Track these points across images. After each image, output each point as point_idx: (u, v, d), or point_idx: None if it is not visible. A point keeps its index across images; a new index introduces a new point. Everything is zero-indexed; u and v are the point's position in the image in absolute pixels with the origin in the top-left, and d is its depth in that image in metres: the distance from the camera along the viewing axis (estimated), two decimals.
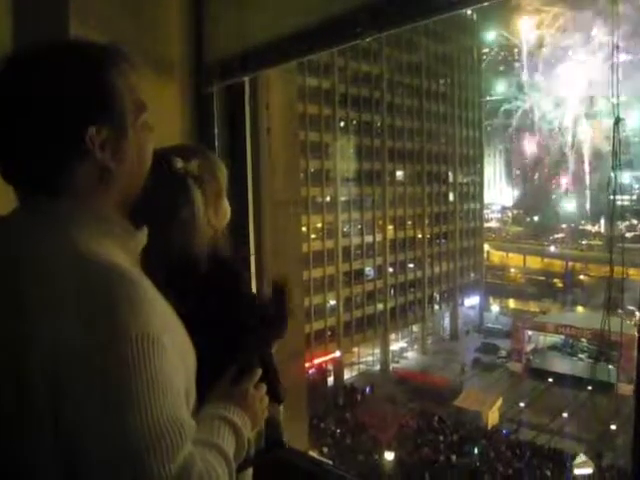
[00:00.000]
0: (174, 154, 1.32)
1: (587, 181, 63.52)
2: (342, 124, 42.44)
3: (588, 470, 24.39)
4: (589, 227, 65.42)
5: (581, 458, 25.02)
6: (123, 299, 0.89)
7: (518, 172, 75.97)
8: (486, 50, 62.46)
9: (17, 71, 0.97)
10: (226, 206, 1.43)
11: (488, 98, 64.45)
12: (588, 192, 63.58)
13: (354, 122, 43.41)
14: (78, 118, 0.97)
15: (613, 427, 29.78)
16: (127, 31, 2.11)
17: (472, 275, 53.74)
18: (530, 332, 41.49)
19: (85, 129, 0.97)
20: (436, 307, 49.62)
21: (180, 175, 1.29)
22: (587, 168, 61.69)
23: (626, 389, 34.60)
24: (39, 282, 0.91)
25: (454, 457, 25.30)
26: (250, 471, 1.53)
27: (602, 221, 60.71)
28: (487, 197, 62.32)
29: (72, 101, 0.96)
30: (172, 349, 0.93)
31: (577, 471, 24.24)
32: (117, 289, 0.89)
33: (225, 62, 2.15)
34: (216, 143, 2.26)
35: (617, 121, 16.09)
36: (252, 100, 2.30)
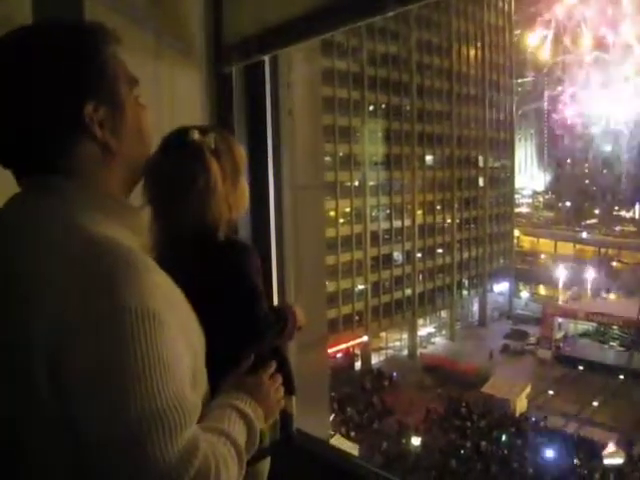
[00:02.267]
0: (192, 128, 1.34)
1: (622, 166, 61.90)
2: (371, 108, 42.10)
3: (619, 460, 24.09)
4: (623, 213, 64.05)
5: (611, 447, 24.72)
6: (122, 273, 0.87)
7: (550, 156, 74.57)
8: (518, 31, 60.92)
9: (12, 51, 0.96)
10: (244, 185, 1.42)
11: (520, 80, 63.17)
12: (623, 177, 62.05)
13: (383, 106, 43.01)
14: (74, 96, 0.97)
15: None
16: (144, 11, 2.07)
17: (502, 261, 53.13)
18: (560, 319, 40.95)
19: (82, 107, 0.97)
20: (465, 293, 49.26)
21: (197, 145, 1.31)
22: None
23: None
24: (40, 262, 0.90)
25: (482, 444, 25.23)
26: (267, 461, 1.51)
27: (637, 207, 59.35)
28: (518, 182, 61.38)
29: (67, 79, 0.96)
30: (175, 326, 0.91)
31: (607, 460, 23.96)
32: (116, 263, 0.88)
33: (244, 41, 2.10)
34: (235, 124, 2.21)
35: None
36: (273, 80, 2.24)
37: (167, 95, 2.12)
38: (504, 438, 26.10)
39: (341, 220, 39.26)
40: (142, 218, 1.12)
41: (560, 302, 47.27)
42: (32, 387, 0.86)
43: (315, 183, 2.64)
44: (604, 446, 25.10)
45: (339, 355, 36.44)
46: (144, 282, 0.89)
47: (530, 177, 74.10)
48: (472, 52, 49.48)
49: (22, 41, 0.98)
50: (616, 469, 23.65)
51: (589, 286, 51.22)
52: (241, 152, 1.41)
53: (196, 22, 2.23)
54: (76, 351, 0.84)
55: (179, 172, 1.28)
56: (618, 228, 59.65)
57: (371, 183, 41.60)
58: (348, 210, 40.01)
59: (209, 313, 1.14)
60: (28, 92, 0.95)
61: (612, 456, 24.19)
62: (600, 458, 24.25)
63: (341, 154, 38.92)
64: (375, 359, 40.35)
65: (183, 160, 1.29)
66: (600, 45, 57.57)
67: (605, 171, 64.05)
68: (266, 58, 2.20)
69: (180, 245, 1.30)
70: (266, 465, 1.49)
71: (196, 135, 1.32)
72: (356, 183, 40.54)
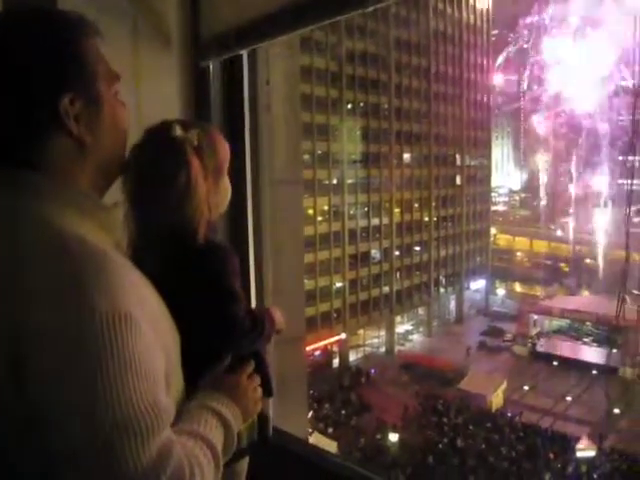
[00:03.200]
0: (175, 123, 1.29)
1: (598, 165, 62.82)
2: (349, 106, 42.14)
3: (591, 453, 24.55)
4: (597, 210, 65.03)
5: (584, 441, 25.18)
6: (92, 274, 0.84)
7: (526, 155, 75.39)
8: (495, 32, 61.43)
9: None
10: (227, 185, 1.38)
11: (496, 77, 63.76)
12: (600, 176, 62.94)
13: (361, 104, 43.09)
14: (50, 88, 0.94)
15: (616, 411, 29.91)
16: (121, 3, 2.03)
17: (478, 258, 53.68)
18: (536, 316, 41.51)
19: (58, 99, 0.93)
20: (442, 290, 49.65)
21: (178, 141, 1.26)
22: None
23: (629, 373, 34.81)
24: (6, 261, 0.86)
25: (458, 440, 25.47)
26: (245, 461, 1.50)
27: (610, 206, 60.21)
28: (495, 180, 61.97)
29: (43, 70, 0.93)
30: (148, 328, 0.89)
31: (580, 454, 24.40)
32: (86, 264, 0.85)
33: (222, 35, 2.07)
34: (212, 118, 2.18)
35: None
36: (251, 75, 2.22)
37: (144, 88, 2.08)
38: (480, 433, 26.37)
39: (319, 218, 39.25)
40: (116, 216, 1.08)
41: (535, 299, 47.92)
42: (7, 407, 0.84)
43: (294, 179, 2.62)
44: (577, 440, 25.55)
45: (317, 353, 36.47)
46: (115, 284, 0.86)
47: (507, 175, 74.87)
48: (450, 51, 49.80)
49: (1, 29, 0.95)
50: (588, 462, 24.10)
51: (564, 283, 52.02)
52: (225, 150, 1.36)
53: (173, 15, 2.20)
54: (42, 353, 0.81)
55: (158, 168, 1.23)
56: (591, 226, 60.60)
57: (349, 181, 41.65)
58: (326, 208, 40.04)
59: (185, 314, 1.12)
60: (1, 82, 0.92)
61: (585, 449, 24.65)
62: (573, 451, 24.68)
63: (319, 152, 38.89)
64: (353, 356, 40.49)
65: (163, 156, 1.24)
66: None
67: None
68: (244, 53, 2.17)
69: (157, 244, 1.25)
70: (244, 465, 1.48)
71: (178, 131, 1.27)
72: (334, 181, 40.58)
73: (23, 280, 0.84)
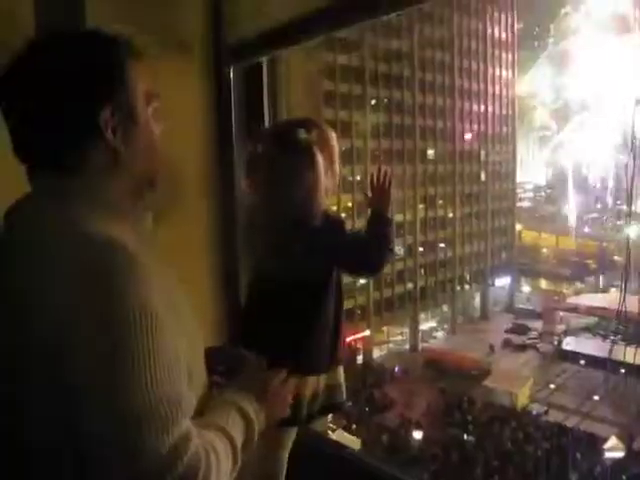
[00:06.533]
0: (296, 126, 1.51)
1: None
2: (373, 102, 41.97)
3: (619, 454, 24.10)
4: (625, 207, 63.79)
5: (612, 441, 24.73)
6: (125, 273, 0.91)
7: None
8: (521, 25, 60.55)
9: (43, 51, 1.04)
10: (337, 171, 1.60)
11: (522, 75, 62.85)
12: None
13: (385, 100, 42.87)
14: (93, 99, 1.02)
15: None
16: (144, 10, 2.09)
17: (503, 255, 53.05)
18: (562, 313, 40.89)
19: (99, 111, 1.01)
20: (466, 287, 49.19)
21: (305, 144, 1.47)
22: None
23: None
24: (42, 261, 0.93)
25: (483, 437, 25.26)
26: (294, 431, 1.68)
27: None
28: (520, 176, 61.17)
29: (89, 83, 1.02)
30: (174, 326, 0.95)
31: (608, 454, 23.98)
32: (119, 263, 0.92)
33: (244, 42, 2.12)
34: (234, 125, 2.23)
35: None
36: (271, 81, 2.26)
37: (165, 94, 2.13)
38: (505, 432, 26.11)
39: (343, 215, 39.17)
40: (146, 222, 1.15)
41: (561, 296, 47.20)
42: (33, 388, 0.91)
43: None
44: (605, 440, 25.12)
45: None
46: (145, 283, 0.92)
47: (532, 171, 73.78)
48: (474, 46, 49.26)
49: (56, 45, 1.04)
50: (617, 463, 23.68)
51: (591, 280, 51.16)
52: (335, 142, 1.57)
53: (196, 24, 2.25)
54: (78, 350, 0.87)
55: (290, 170, 1.44)
56: (620, 222, 59.45)
57: (370, 178, 41.35)
58: (350, 205, 39.96)
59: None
60: (55, 92, 1.00)
61: (613, 450, 24.20)
62: (601, 452, 24.27)
63: (343, 148, 38.78)
64: (377, 353, 40.38)
65: (295, 159, 1.44)
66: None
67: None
68: (265, 59, 2.22)
69: (281, 228, 1.48)
70: (293, 434, 1.68)
71: (303, 134, 1.46)
72: (358, 177, 40.47)
73: (61, 281, 0.90)
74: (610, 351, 34.07)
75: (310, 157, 1.45)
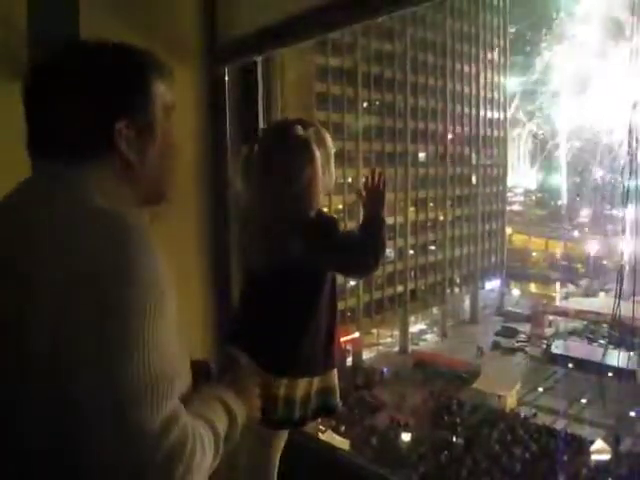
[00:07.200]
0: (293, 124, 1.52)
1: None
2: (365, 105, 42.03)
3: (606, 456, 24.27)
4: (614, 212, 64.23)
5: (599, 444, 24.89)
6: (137, 244, 0.93)
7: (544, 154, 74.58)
8: (513, 30, 60.83)
9: (76, 55, 1.08)
10: (333, 170, 1.62)
11: (515, 78, 63.16)
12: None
13: (377, 102, 42.95)
14: (112, 110, 1.05)
15: (632, 414, 29.54)
16: (138, 11, 2.09)
17: (493, 258, 53.27)
18: (551, 317, 41.12)
19: (116, 121, 1.04)
20: (456, 290, 49.35)
21: (303, 140, 1.48)
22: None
23: None
24: (53, 231, 0.94)
25: (471, 439, 25.35)
26: (285, 433, 1.68)
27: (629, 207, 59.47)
28: (511, 180, 61.45)
29: (110, 95, 1.05)
30: (174, 307, 0.97)
31: (594, 457, 24.14)
32: (131, 234, 0.94)
33: (238, 42, 2.12)
34: (228, 124, 2.23)
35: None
36: (266, 80, 2.27)
37: None
38: (494, 434, 26.22)
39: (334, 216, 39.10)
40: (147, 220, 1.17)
41: (551, 300, 47.46)
42: (33, 359, 0.91)
43: None
44: (592, 442, 25.29)
45: None
46: (157, 257, 0.95)
47: (523, 175, 74.11)
48: (467, 50, 49.48)
49: (88, 51, 1.08)
50: (603, 465, 23.85)
51: (580, 284, 51.47)
52: (330, 141, 1.60)
53: (190, 24, 2.25)
54: (79, 319, 0.88)
55: (289, 165, 1.45)
56: (609, 227, 59.88)
57: (364, 180, 41.42)
58: (341, 207, 39.96)
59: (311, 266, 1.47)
60: (78, 95, 1.04)
61: (599, 452, 24.37)
62: (588, 454, 24.43)
63: (334, 150, 38.71)
64: (366, 355, 40.39)
65: (293, 156, 1.45)
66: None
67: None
68: (259, 59, 2.22)
69: (276, 226, 1.48)
70: (283, 437, 1.68)
71: (300, 131, 1.47)
72: (349, 180, 40.48)
73: (61, 251, 0.91)
74: (604, 355, 34.40)
75: (308, 153, 1.46)
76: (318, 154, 1.48)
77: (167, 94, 1.14)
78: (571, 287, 51.79)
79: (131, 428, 0.87)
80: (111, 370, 0.88)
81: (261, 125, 2.25)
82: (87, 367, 0.88)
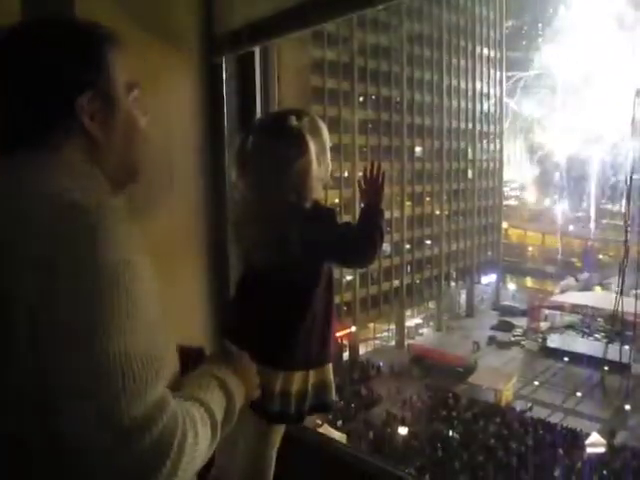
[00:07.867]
0: (287, 114, 1.49)
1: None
2: (361, 99, 41.96)
3: (601, 449, 24.41)
4: (610, 206, 64.36)
5: (594, 437, 25.03)
6: (108, 227, 0.90)
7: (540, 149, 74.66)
8: (509, 23, 60.75)
9: (25, 36, 1.03)
10: (329, 161, 1.58)
11: (510, 73, 63.19)
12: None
13: (373, 97, 42.89)
14: (71, 85, 1.02)
15: (627, 407, 29.73)
16: (134, 2, 2.07)
17: (489, 253, 53.39)
18: (547, 311, 41.25)
19: (77, 96, 1.01)
20: (452, 284, 49.47)
21: (297, 130, 1.45)
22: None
23: None
24: (17, 215, 0.90)
25: (468, 433, 25.45)
26: (282, 428, 1.64)
27: (623, 201, 59.63)
28: (507, 174, 61.54)
29: (67, 70, 1.02)
30: (156, 297, 0.94)
31: (589, 450, 24.28)
32: (102, 217, 0.91)
33: (235, 32, 2.10)
34: (226, 114, 2.22)
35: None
36: (263, 71, 2.25)
37: (157, 85, 2.12)
38: (490, 428, 26.33)
39: None
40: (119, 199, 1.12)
41: (547, 294, 47.59)
42: (13, 340, 0.86)
43: None
44: (587, 436, 25.43)
45: None
46: (131, 240, 0.92)
47: (519, 169, 74.19)
48: (462, 45, 49.42)
49: (38, 31, 1.05)
50: (598, 458, 23.99)
51: (576, 278, 51.61)
52: (326, 132, 1.56)
53: (187, 13, 2.23)
54: (57, 301, 0.84)
55: (282, 155, 1.42)
56: (605, 221, 59.99)
57: (360, 174, 41.38)
58: (337, 201, 39.94)
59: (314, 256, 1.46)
60: (31, 76, 1.00)
61: (594, 446, 24.51)
62: (583, 447, 24.56)
63: (330, 144, 38.68)
64: (363, 349, 40.48)
65: (286, 146, 1.43)
66: None
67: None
68: (257, 49, 2.20)
69: (272, 217, 1.45)
70: (281, 430, 1.65)
71: (294, 121, 1.45)
72: (345, 174, 40.45)
73: (40, 232, 0.88)
74: (605, 351, 34.57)
75: (302, 143, 1.44)
76: (312, 144, 1.46)
77: (125, 68, 1.10)
78: (567, 281, 51.90)
79: (110, 417, 0.83)
80: (87, 356, 0.84)
81: (259, 115, 2.24)
82: (64, 356, 0.84)
